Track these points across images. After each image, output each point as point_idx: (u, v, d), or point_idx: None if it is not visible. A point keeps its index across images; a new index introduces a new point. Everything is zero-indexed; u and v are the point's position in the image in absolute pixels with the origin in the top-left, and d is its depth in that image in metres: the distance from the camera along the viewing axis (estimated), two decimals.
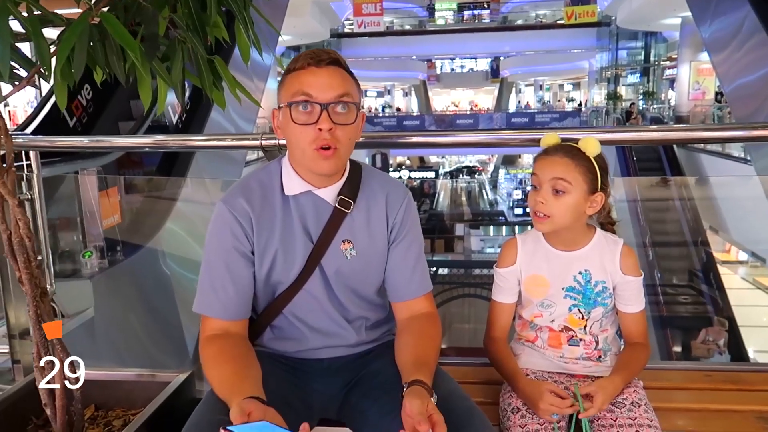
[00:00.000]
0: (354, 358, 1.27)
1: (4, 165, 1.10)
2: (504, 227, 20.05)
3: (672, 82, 20.08)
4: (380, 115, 25.69)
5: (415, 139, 1.86)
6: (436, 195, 24.37)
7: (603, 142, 1.32)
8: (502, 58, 29.67)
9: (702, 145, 10.10)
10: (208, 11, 1.08)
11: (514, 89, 32.50)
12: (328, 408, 1.25)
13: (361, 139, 1.29)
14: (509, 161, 29.92)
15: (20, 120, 8.80)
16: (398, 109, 29.09)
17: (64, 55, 0.92)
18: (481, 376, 1.51)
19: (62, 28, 0.97)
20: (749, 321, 7.00)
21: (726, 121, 12.37)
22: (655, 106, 21.36)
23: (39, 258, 1.97)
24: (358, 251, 1.21)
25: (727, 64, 8.85)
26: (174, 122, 7.54)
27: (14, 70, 1.01)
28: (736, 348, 6.15)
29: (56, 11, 1.03)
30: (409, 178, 26.23)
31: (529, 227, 1.38)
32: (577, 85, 31.47)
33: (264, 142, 1.67)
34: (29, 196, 1.91)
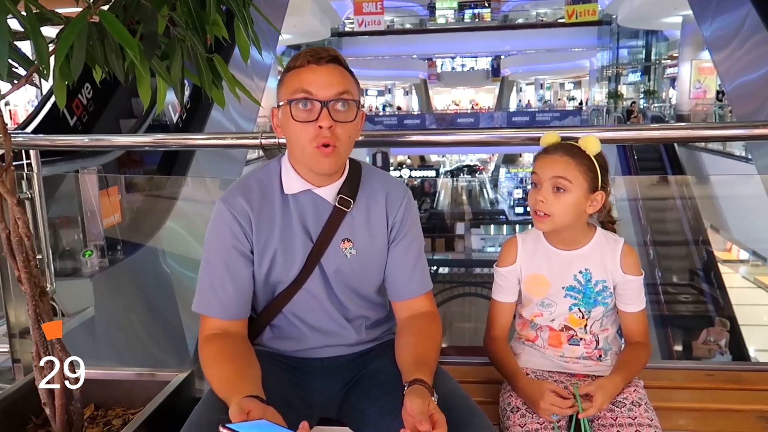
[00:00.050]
0: (354, 357, 1.27)
1: (3, 164, 1.10)
2: (505, 226, 20.03)
3: (673, 80, 20.06)
4: (381, 114, 25.67)
5: (415, 138, 1.86)
6: (437, 194, 24.35)
7: (603, 141, 1.32)
8: (502, 56, 29.65)
9: (703, 143, 10.09)
10: (208, 9, 1.08)
11: (514, 88, 32.48)
12: (328, 407, 1.25)
13: (360, 138, 1.29)
14: (510, 160, 29.90)
15: (21, 119, 8.80)
16: (399, 108, 29.08)
17: (63, 53, 0.92)
18: (481, 376, 1.51)
19: (61, 27, 0.97)
20: (750, 320, 6.99)
21: (727, 119, 12.34)
22: (656, 104, 21.34)
23: (39, 257, 1.98)
24: (358, 250, 1.21)
25: (729, 63, 8.84)
26: (174, 121, 7.54)
27: (13, 69, 1.01)
28: (737, 347, 6.15)
29: (55, 10, 1.02)
30: (410, 177, 26.22)
31: (530, 226, 1.37)
32: (578, 84, 31.44)
33: (264, 141, 1.66)
34: (29, 195, 1.91)
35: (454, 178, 29.14)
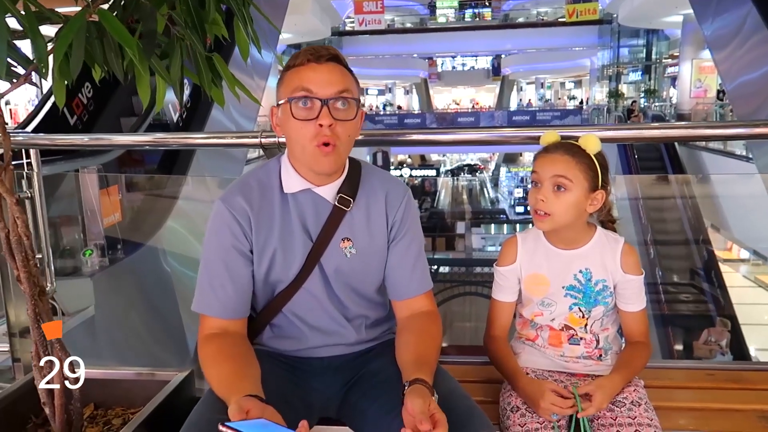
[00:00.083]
0: (354, 356, 1.26)
1: (2, 163, 1.10)
2: (505, 225, 20.02)
3: (674, 79, 20.03)
4: (381, 113, 25.66)
5: (415, 137, 1.86)
6: (437, 193, 24.34)
7: (604, 140, 1.31)
8: (503, 56, 29.62)
9: (704, 143, 10.08)
10: (207, 8, 1.07)
11: (515, 87, 32.46)
12: (328, 407, 1.24)
13: (360, 137, 1.28)
14: (510, 159, 29.88)
15: (22, 118, 8.80)
16: (399, 107, 29.06)
17: (61, 52, 0.91)
18: (481, 375, 1.50)
19: (60, 26, 0.97)
20: (751, 319, 6.99)
21: (728, 118, 12.33)
22: (656, 104, 21.32)
23: (39, 256, 1.98)
24: (358, 249, 1.21)
25: (729, 62, 8.83)
26: (174, 120, 7.54)
27: (12, 68, 1.01)
28: (738, 347, 6.14)
29: (55, 9, 1.02)
30: (410, 176, 26.21)
31: (530, 225, 1.37)
32: (578, 83, 31.41)
33: (263, 140, 1.66)
34: (29, 194, 1.91)
35: (455, 178, 29.13)
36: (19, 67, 1.01)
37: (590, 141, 1.27)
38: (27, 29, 0.91)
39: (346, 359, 1.26)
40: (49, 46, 0.96)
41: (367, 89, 29.96)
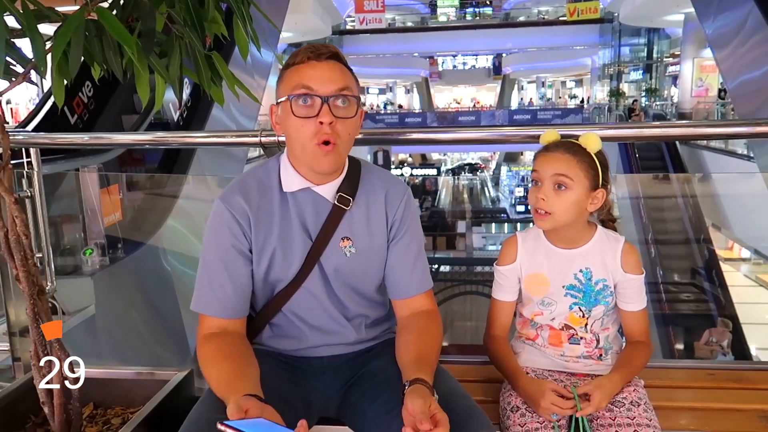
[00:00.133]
0: (354, 356, 1.26)
1: (1, 162, 1.09)
2: (506, 224, 20.02)
3: (675, 78, 20.00)
4: (382, 112, 25.64)
5: (415, 136, 1.85)
6: (438, 192, 24.34)
7: (604, 139, 1.31)
8: (504, 54, 29.59)
9: (705, 142, 10.07)
10: (206, 7, 1.07)
11: (516, 86, 32.43)
12: (328, 406, 1.24)
13: (361, 136, 1.28)
14: (511, 158, 29.86)
15: (22, 117, 8.80)
16: (400, 107, 29.05)
17: (60, 50, 0.91)
18: (481, 375, 1.50)
19: (59, 24, 0.96)
20: (752, 318, 6.99)
21: (729, 117, 12.32)
22: (657, 102, 21.29)
23: (39, 255, 1.98)
24: (358, 249, 1.20)
25: (731, 61, 8.81)
26: (175, 119, 7.54)
27: (11, 67, 1.00)
28: (739, 346, 6.14)
29: (55, 8, 1.02)
30: (411, 175, 26.21)
31: (531, 224, 1.37)
32: (579, 82, 31.37)
33: (263, 139, 1.66)
34: (29, 194, 1.91)
35: (456, 177, 29.12)
36: (17, 65, 1.01)
37: (591, 139, 1.27)
38: (25, 27, 0.91)
39: (345, 359, 1.25)
40: (48, 44, 0.96)
41: (367, 88, 29.95)
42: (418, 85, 31.54)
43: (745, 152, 8.87)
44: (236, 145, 1.85)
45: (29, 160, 1.97)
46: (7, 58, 0.98)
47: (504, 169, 29.63)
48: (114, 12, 1.02)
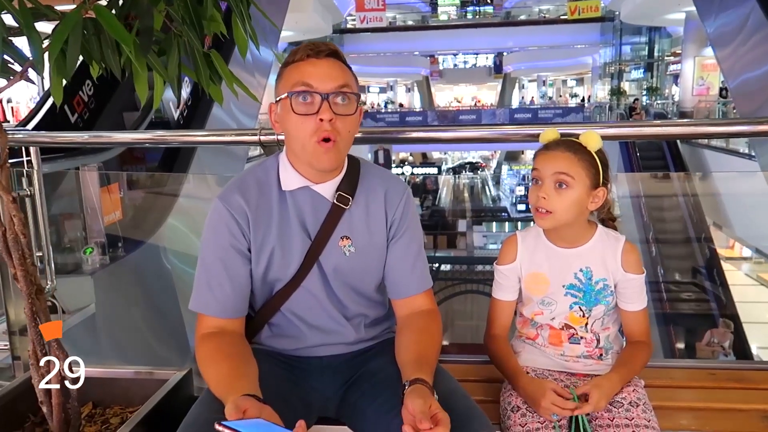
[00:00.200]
0: (353, 355, 1.26)
1: None
2: (507, 223, 20.02)
3: (676, 77, 19.96)
4: (383, 111, 25.62)
5: (415, 135, 1.85)
6: (439, 191, 24.33)
7: (605, 138, 1.30)
8: (505, 53, 29.55)
9: (706, 140, 10.05)
10: (205, 5, 1.06)
11: (517, 85, 32.39)
12: (327, 406, 1.24)
13: (361, 135, 1.28)
14: (512, 157, 29.85)
15: (23, 116, 8.80)
16: (401, 105, 29.03)
17: (57, 48, 0.90)
18: (481, 374, 1.50)
19: (57, 22, 0.96)
20: (753, 318, 6.98)
21: (730, 116, 12.29)
22: (658, 101, 21.26)
23: (39, 254, 1.98)
24: (357, 248, 1.20)
25: (732, 59, 8.79)
26: (175, 118, 7.53)
27: (8, 65, 1.00)
28: (740, 345, 6.14)
29: (53, 6, 1.01)
30: (412, 174, 26.21)
31: (532, 223, 1.36)
32: (580, 81, 31.32)
33: (263, 138, 1.65)
34: (29, 192, 1.90)
35: (456, 175, 29.11)
36: (15, 64, 1.01)
37: (591, 138, 1.27)
38: (23, 25, 0.91)
39: (345, 358, 1.25)
40: (46, 43, 0.96)
41: (368, 87, 29.94)
42: (418, 84, 31.52)
43: (747, 151, 8.86)
44: (236, 143, 1.85)
45: (29, 158, 1.97)
46: (5, 57, 0.97)
47: (505, 167, 29.61)
48: (113, 11, 1.01)
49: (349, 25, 25.61)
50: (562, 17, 25.62)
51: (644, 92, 22.96)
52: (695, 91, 16.60)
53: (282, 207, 1.18)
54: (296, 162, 1.18)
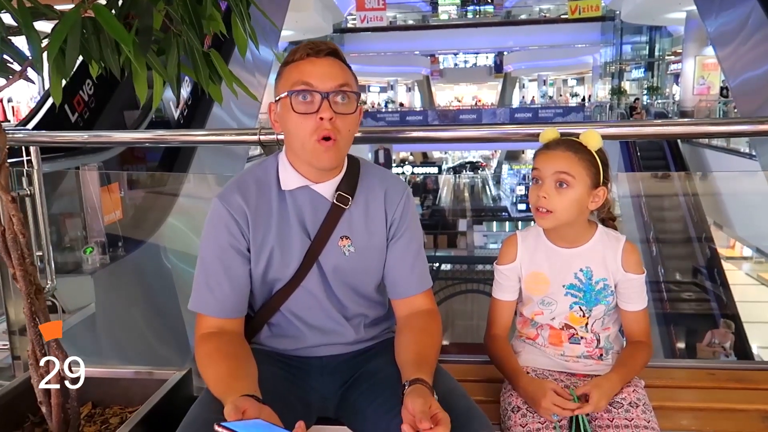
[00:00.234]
0: (353, 356, 1.25)
1: None
2: (507, 223, 20.03)
3: (677, 77, 19.95)
4: (383, 110, 25.61)
5: (415, 134, 1.84)
6: (439, 191, 24.34)
7: (605, 137, 1.30)
8: (505, 53, 29.55)
9: (707, 140, 10.04)
10: (204, 4, 1.06)
11: (517, 84, 32.39)
12: (326, 406, 1.24)
13: (361, 135, 1.27)
14: (512, 157, 29.84)
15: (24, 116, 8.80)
16: (401, 105, 29.02)
17: (55, 48, 0.90)
18: (481, 374, 1.49)
19: (56, 22, 0.95)
20: (753, 317, 6.98)
21: (731, 116, 12.28)
22: (659, 101, 21.25)
23: (39, 254, 1.97)
24: (357, 248, 1.19)
25: (733, 59, 8.78)
26: (175, 117, 7.53)
27: (8, 64, 1.00)
28: (741, 345, 6.13)
29: (52, 5, 1.01)
30: (412, 173, 26.21)
31: (532, 223, 1.36)
32: (581, 80, 31.30)
33: (262, 137, 1.65)
34: (29, 192, 1.90)
35: (457, 175, 29.11)
36: (14, 63, 1.00)
37: (592, 137, 1.26)
38: (21, 25, 0.90)
39: (344, 358, 1.25)
40: (45, 42, 0.95)
41: (369, 86, 29.94)
42: (419, 84, 31.51)
43: (747, 150, 8.85)
44: (235, 143, 1.85)
45: (29, 158, 1.96)
46: (4, 56, 0.97)
47: (505, 167, 29.61)
48: (113, 10, 1.01)
49: (349, 25, 25.61)
50: (562, 16, 25.62)
51: (645, 92, 22.95)
52: (696, 91, 16.59)
53: (281, 207, 1.18)
54: (296, 161, 1.18)
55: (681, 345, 6.65)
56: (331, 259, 1.19)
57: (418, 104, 31.39)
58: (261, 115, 9.74)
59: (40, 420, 1.26)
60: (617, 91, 23.37)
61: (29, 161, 1.97)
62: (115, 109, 6.61)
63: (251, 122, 8.94)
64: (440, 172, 28.58)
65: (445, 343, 1.29)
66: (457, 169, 30.37)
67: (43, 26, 0.98)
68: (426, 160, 30.41)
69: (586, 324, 1.31)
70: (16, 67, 1.01)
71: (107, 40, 0.99)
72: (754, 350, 6.61)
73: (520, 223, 19.02)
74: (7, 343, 1.86)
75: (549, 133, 1.32)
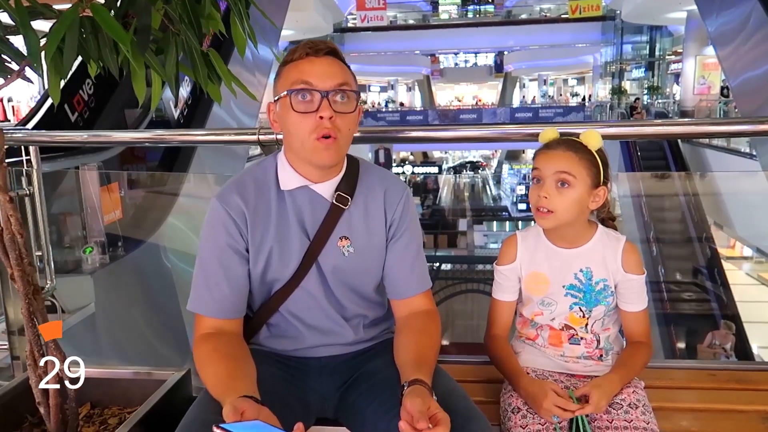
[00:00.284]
0: (352, 356, 1.25)
1: None
2: (507, 222, 20.03)
3: (677, 76, 19.93)
4: (383, 110, 25.60)
5: (415, 134, 1.84)
6: (440, 190, 24.34)
7: (605, 137, 1.30)
8: (506, 52, 29.53)
9: (707, 140, 10.03)
10: (203, 3, 1.06)
11: (518, 84, 32.38)
12: (325, 407, 1.23)
13: (360, 134, 1.27)
14: (513, 156, 29.84)
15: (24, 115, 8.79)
16: (402, 104, 29.02)
17: (53, 47, 0.90)
18: (481, 375, 1.49)
19: (54, 21, 0.95)
20: (753, 317, 6.98)
21: (732, 116, 12.27)
22: (659, 100, 21.24)
23: (39, 254, 1.97)
24: (356, 248, 1.19)
25: (733, 58, 8.78)
26: (175, 117, 7.53)
27: (6, 64, 0.99)
28: (741, 345, 6.13)
29: (52, 6, 1.01)
30: (413, 173, 26.20)
31: (532, 223, 1.35)
32: (581, 80, 31.29)
33: (261, 137, 1.65)
34: (29, 192, 1.90)
35: (457, 175, 29.11)
36: (13, 62, 1.00)
37: (592, 137, 1.26)
38: (18, 24, 0.90)
39: (343, 359, 1.24)
40: (43, 41, 0.95)
41: (369, 86, 29.94)
42: (419, 83, 31.50)
43: (748, 150, 8.84)
44: (234, 143, 1.84)
45: (29, 158, 1.96)
46: (2, 55, 0.97)
47: (505, 167, 29.61)
48: (111, 10, 1.01)
49: (349, 24, 25.60)
50: (563, 16, 25.62)
51: (645, 91, 22.94)
52: (696, 90, 16.58)
53: (280, 207, 1.18)
54: (295, 161, 1.18)
55: (681, 345, 6.65)
56: (330, 259, 1.18)
57: (418, 104, 31.39)
58: (261, 114, 9.74)
59: (39, 421, 1.25)
60: (618, 91, 23.36)
61: (29, 161, 1.96)
62: (116, 107, 6.60)
63: (251, 122, 8.94)
64: (440, 171, 28.57)
65: (444, 343, 1.29)
66: (457, 169, 30.37)
67: (42, 25, 0.98)
68: (426, 160, 30.40)
69: (586, 324, 1.31)
70: (15, 66, 1.01)
71: (105, 39, 0.99)
72: (755, 350, 6.61)
73: (520, 222, 19.03)
74: (6, 343, 1.86)
75: (548, 132, 1.32)
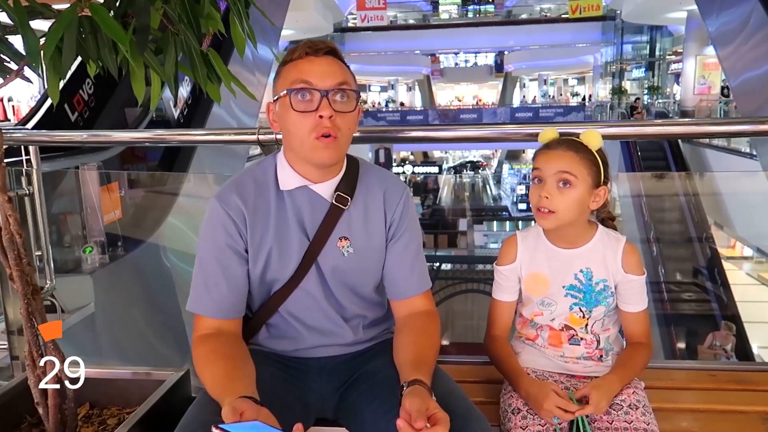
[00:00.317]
0: (351, 357, 1.25)
1: None
2: (507, 222, 20.03)
3: (677, 76, 19.93)
4: (384, 109, 25.59)
5: (415, 134, 1.84)
6: (440, 190, 24.33)
7: (606, 137, 1.30)
8: (506, 52, 29.52)
9: (707, 140, 10.03)
10: (202, 3, 1.06)
11: (518, 84, 32.37)
12: (325, 408, 1.23)
13: (360, 134, 1.27)
14: (513, 156, 29.83)
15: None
16: (402, 104, 29.02)
17: (52, 47, 0.90)
18: (481, 375, 1.49)
19: (53, 21, 0.95)
20: (753, 317, 6.98)
21: (732, 116, 12.27)
22: (660, 100, 21.24)
23: (38, 254, 1.97)
24: (356, 248, 1.19)
25: (734, 58, 8.77)
26: (175, 117, 7.53)
27: (5, 63, 0.99)
28: (741, 345, 6.12)
29: (50, 5, 1.00)
30: (413, 173, 26.20)
31: (532, 223, 1.35)
32: (581, 80, 31.28)
33: (261, 137, 1.65)
34: (28, 192, 1.90)
35: (457, 175, 29.11)
36: (11, 62, 1.00)
37: (592, 137, 1.26)
38: (17, 23, 0.90)
39: (343, 359, 1.24)
40: (42, 41, 0.95)
41: (369, 86, 29.94)
42: (419, 83, 31.50)
43: (748, 150, 8.84)
44: (234, 142, 1.84)
45: (28, 158, 1.96)
46: (1, 55, 0.97)
47: (506, 166, 29.60)
48: (110, 9, 1.00)
49: (350, 24, 25.60)
50: (563, 16, 25.62)
51: (645, 91, 22.94)
52: (697, 90, 16.57)
53: (280, 207, 1.17)
54: (294, 161, 1.17)
55: (681, 345, 6.64)
56: (329, 259, 1.18)
57: (418, 104, 31.39)
58: (261, 114, 9.74)
59: (38, 421, 1.25)
60: (618, 91, 23.36)
61: (28, 161, 1.96)
62: (116, 107, 6.60)
63: (251, 121, 8.94)
64: (441, 171, 28.55)
65: (444, 343, 1.29)
66: (457, 169, 30.37)
67: (41, 25, 0.98)
68: (426, 160, 30.40)
69: (586, 325, 1.31)
70: (14, 66, 1.01)
71: (104, 39, 0.98)
72: (755, 350, 6.61)
73: (520, 222, 19.03)
74: (6, 343, 1.86)
75: (548, 132, 1.32)
